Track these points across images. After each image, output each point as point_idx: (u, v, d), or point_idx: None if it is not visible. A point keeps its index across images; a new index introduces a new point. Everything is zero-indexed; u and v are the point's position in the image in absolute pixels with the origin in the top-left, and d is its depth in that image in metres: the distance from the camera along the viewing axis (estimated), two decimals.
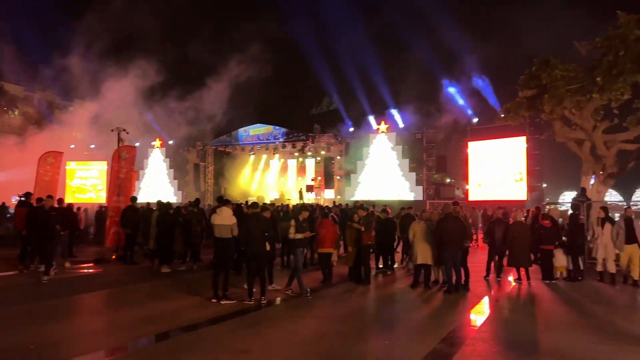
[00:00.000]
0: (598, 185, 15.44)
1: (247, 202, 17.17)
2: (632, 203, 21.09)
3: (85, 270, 13.46)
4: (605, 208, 12.07)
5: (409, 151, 31.51)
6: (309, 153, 39.38)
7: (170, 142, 38.72)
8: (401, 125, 32.11)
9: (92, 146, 31.06)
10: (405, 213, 14.19)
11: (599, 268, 11.58)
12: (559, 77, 14.12)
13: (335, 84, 39.18)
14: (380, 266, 13.40)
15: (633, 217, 11.36)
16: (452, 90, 29.15)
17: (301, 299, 9.54)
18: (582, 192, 15.10)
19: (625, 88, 13.62)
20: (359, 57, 37.68)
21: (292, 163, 42.76)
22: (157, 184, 38.35)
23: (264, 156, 42.09)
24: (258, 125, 39.58)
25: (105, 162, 25.56)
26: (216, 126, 35.64)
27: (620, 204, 21.90)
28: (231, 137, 40.30)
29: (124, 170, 15.92)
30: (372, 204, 20.26)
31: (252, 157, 41.80)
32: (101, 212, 19.32)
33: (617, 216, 12.79)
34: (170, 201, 16.44)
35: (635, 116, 15.07)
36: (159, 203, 14.36)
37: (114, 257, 15.03)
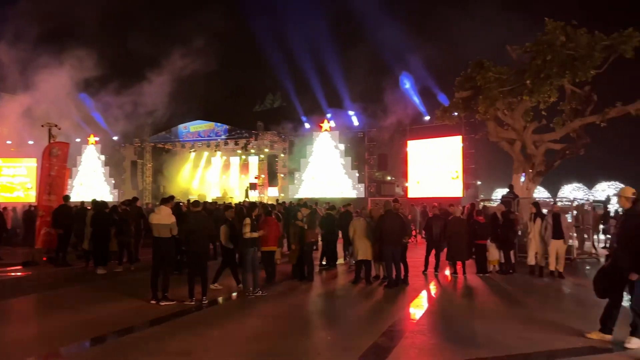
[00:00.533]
0: (528, 183, 16.31)
1: (188, 200, 16.81)
2: (558, 199, 22.44)
3: (13, 274, 12.70)
4: (536, 204, 12.78)
5: (351, 149, 31.98)
6: (252, 151, 39.02)
7: (114, 137, 37.13)
8: (344, 124, 32.50)
9: (31, 142, 29.29)
10: (344, 210, 14.42)
11: (530, 261, 12.23)
12: (492, 79, 14.74)
13: (280, 81, 39.05)
14: (323, 263, 13.52)
15: (559, 212, 12.10)
16: (394, 90, 29.81)
17: (244, 298, 9.48)
18: (511, 189, 15.95)
19: (552, 91, 14.48)
20: (304, 55, 37.68)
21: (235, 160, 42.23)
22: (91, 182, 36.77)
23: (206, 153, 41.29)
24: (199, 121, 38.69)
25: (35, 160, 24.18)
26: (155, 122, 34.50)
27: (547, 200, 23.23)
28: (170, 134, 39.18)
29: (55, 167, 15.13)
30: (316, 201, 20.38)
31: (192, 155, 40.87)
32: (30, 212, 18.34)
33: (545, 212, 13.56)
34: (106, 200, 15.83)
35: (561, 117, 16.07)
36: (94, 202, 13.79)
37: (44, 259, 14.28)
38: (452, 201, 19.30)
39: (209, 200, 27.14)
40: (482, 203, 17.48)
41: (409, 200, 26.37)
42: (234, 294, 9.89)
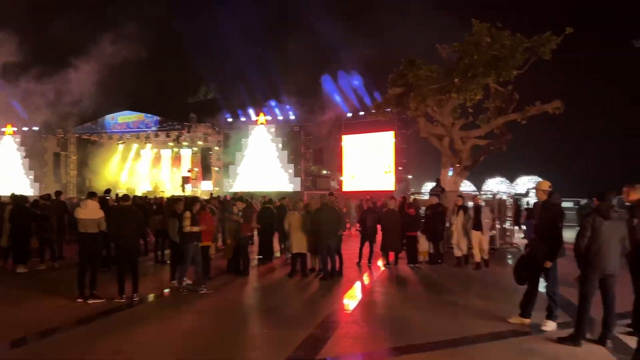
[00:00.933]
0: (455, 177, 17.07)
1: (117, 194, 16.15)
2: (482, 193, 23.64)
3: None
4: (461, 197, 13.39)
5: (287, 143, 31.98)
6: (185, 143, 38.00)
7: (35, 128, 34.82)
8: (280, 117, 32.42)
9: None
10: (279, 204, 14.44)
11: (456, 252, 12.75)
12: (423, 77, 15.27)
13: (214, 72, 38.24)
14: (260, 257, 13.48)
15: (482, 205, 12.74)
16: (330, 85, 30.11)
17: (178, 294, 9.28)
18: (438, 182, 16.65)
19: (478, 89, 15.22)
20: (239, 48, 37.09)
21: (167, 153, 40.97)
22: (8, 175, 34.39)
23: (135, 145, 39.72)
24: (128, 112, 36.97)
25: None
26: (80, 112, 32.66)
27: (473, 193, 24.41)
28: (97, 125, 37.17)
29: None
30: (251, 195, 20.23)
31: (120, 147, 39.15)
32: None
33: (471, 204, 14.24)
34: (26, 194, 14.89)
35: (486, 115, 16.93)
36: (13, 196, 12.92)
37: None
38: (385, 195, 19.84)
39: (139, 194, 26.18)
40: (412, 196, 18.09)
41: (344, 194, 26.81)
42: (167, 290, 9.65)
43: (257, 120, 32.17)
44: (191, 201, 10.15)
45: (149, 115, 36.75)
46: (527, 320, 7.07)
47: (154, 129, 36.62)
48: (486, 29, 14.29)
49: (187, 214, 9.46)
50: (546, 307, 6.95)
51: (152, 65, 37.14)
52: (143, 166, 40.55)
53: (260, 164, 31.75)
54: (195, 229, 9.44)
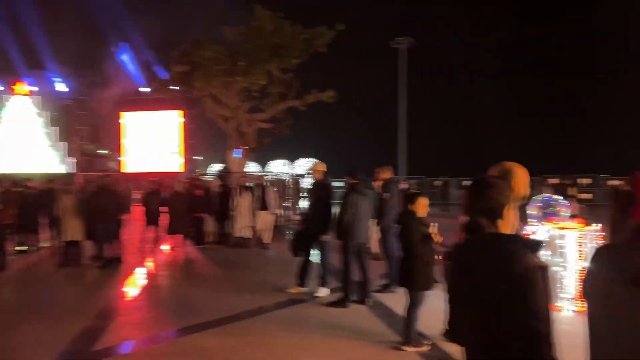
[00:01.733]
0: (241, 159, 17.52)
1: None
2: (266, 173, 24.79)
3: None
4: (244, 177, 13.69)
5: (59, 119, 28.34)
6: None
7: None
8: (49, 89, 28.51)
9: None
10: (47, 188, 12.82)
11: (237, 233, 12.94)
12: (209, 57, 15.18)
13: None
14: (24, 247, 11.81)
15: (266, 185, 13.34)
16: (112, 58, 27.66)
17: None
18: (224, 164, 16.93)
19: (262, 75, 15.79)
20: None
21: None
22: None
23: None
24: None
25: None
26: None
27: (259, 174, 25.40)
28: None
29: None
30: (11, 178, 17.49)
31: None
32: None
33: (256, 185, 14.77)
34: None
35: (270, 100, 17.70)
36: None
37: None
38: (172, 176, 19.30)
39: None
40: (200, 178, 17.99)
41: (125, 176, 25.14)
42: None
43: (13, 90, 27.61)
44: None
45: None
46: (303, 289, 7.76)
47: None
48: (269, 17, 14.88)
49: None
50: (319, 276, 7.73)
51: None
52: None
53: (22, 142, 27.51)
54: None
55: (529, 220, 6.25)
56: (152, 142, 27.92)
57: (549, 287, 1.76)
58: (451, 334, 2.16)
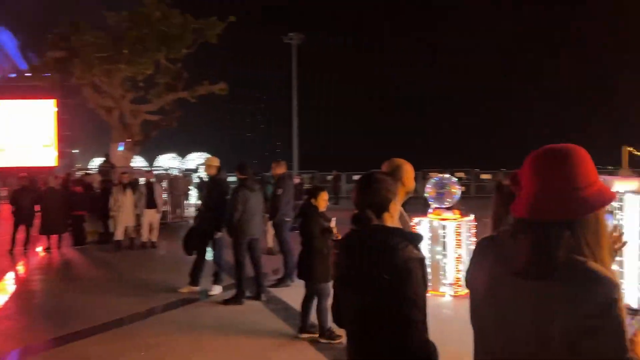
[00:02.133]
0: (125, 152, 16.54)
1: None
2: (154, 168, 23.67)
3: None
4: (126, 173, 12.65)
5: None
6: None
7: None
8: None
9: None
10: None
11: (119, 236, 11.46)
12: (89, 42, 14.13)
13: None
14: None
15: (154, 181, 12.62)
16: None
17: None
18: (107, 158, 15.89)
19: (149, 64, 15.04)
20: None
21: None
22: None
23: None
24: None
25: None
26: None
27: (145, 169, 24.16)
28: None
29: None
30: None
31: None
32: None
33: (142, 180, 13.97)
34: None
35: (157, 90, 16.91)
36: None
37: None
38: (45, 171, 17.70)
39: None
40: (78, 172, 16.68)
41: None
42: None
43: None
44: None
45: None
46: (196, 288, 7.52)
47: None
48: (156, 4, 14.20)
49: None
50: (212, 274, 7.55)
51: None
52: None
53: None
54: None
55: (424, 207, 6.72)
56: (22, 133, 25.27)
57: (426, 278, 1.94)
58: (335, 318, 2.24)
